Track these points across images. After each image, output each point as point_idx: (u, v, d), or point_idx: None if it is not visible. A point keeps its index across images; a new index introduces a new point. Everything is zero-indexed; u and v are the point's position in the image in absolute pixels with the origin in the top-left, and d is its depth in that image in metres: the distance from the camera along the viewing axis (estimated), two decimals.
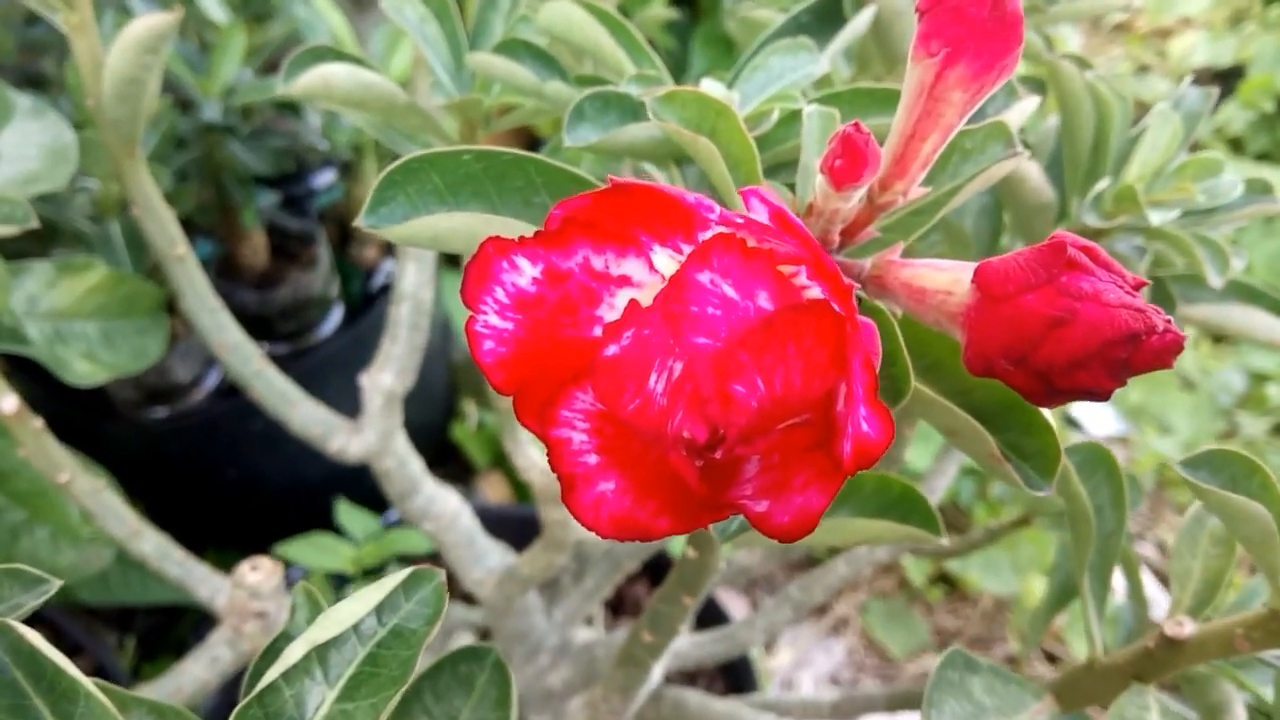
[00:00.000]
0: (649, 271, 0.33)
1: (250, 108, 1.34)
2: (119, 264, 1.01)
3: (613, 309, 0.33)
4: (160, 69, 0.73)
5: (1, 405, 0.67)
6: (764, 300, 0.30)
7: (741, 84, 0.61)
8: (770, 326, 0.29)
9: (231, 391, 1.39)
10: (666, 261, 0.33)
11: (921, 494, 0.56)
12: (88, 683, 0.35)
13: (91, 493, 0.72)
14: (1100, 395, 0.33)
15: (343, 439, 0.89)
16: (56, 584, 0.40)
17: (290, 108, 1.39)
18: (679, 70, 1.95)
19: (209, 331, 0.86)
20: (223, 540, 1.50)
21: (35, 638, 0.34)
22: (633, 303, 0.32)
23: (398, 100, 0.63)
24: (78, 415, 1.38)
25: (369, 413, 0.89)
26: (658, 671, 0.98)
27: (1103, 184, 0.68)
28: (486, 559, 0.96)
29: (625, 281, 0.33)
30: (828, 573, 1.01)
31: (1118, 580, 0.58)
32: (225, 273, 1.41)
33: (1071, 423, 2.05)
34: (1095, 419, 2.10)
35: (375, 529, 1.32)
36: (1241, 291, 0.69)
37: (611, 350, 0.31)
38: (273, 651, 0.40)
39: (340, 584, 1.31)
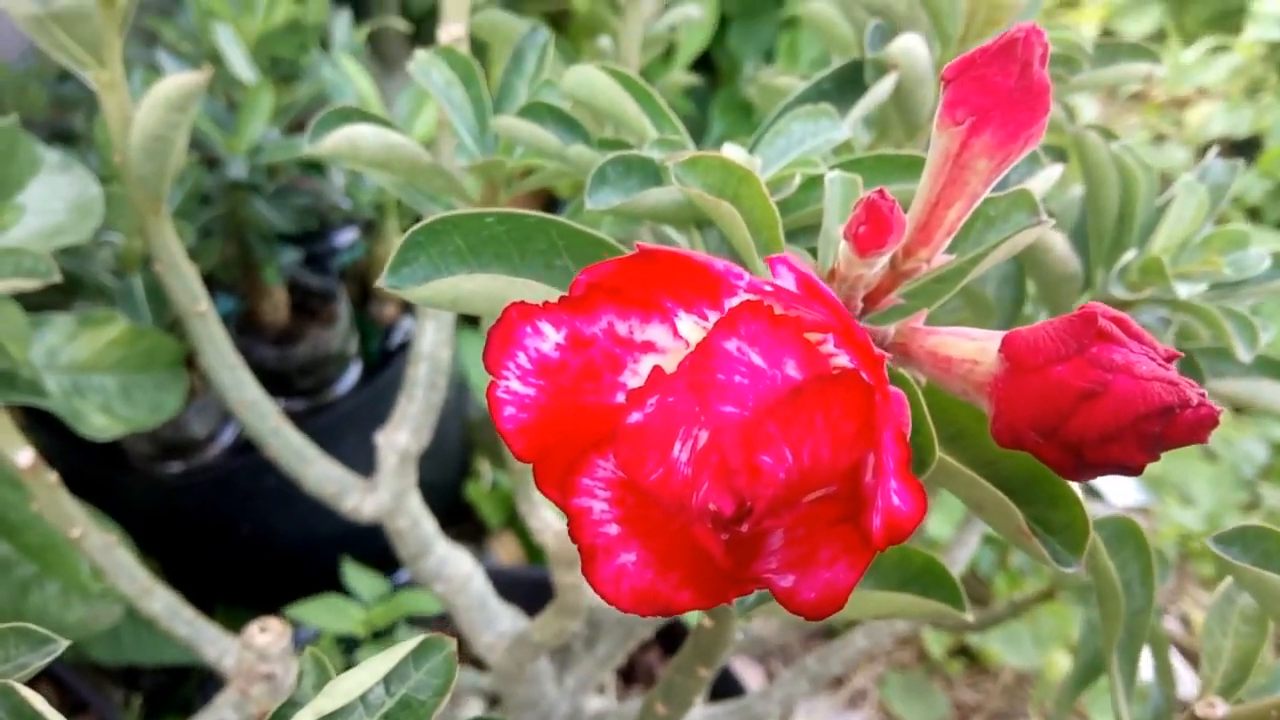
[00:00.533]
0: (673, 338, 0.33)
1: (275, 166, 1.36)
2: (140, 318, 1.01)
3: (636, 375, 0.33)
4: (188, 127, 0.74)
5: (17, 459, 0.67)
6: (792, 369, 0.29)
7: (763, 149, 0.61)
8: (799, 397, 0.28)
9: (246, 447, 1.39)
10: (691, 328, 0.32)
11: (945, 567, 0.55)
12: None
13: (103, 548, 0.72)
14: (1132, 470, 0.32)
15: (357, 498, 0.89)
16: (63, 644, 0.39)
17: (315, 167, 1.40)
18: (698, 135, 1.97)
19: (227, 388, 0.86)
20: (233, 597, 1.48)
21: (39, 701, 0.33)
22: (657, 369, 0.31)
23: (421, 162, 0.63)
24: (93, 468, 1.37)
25: (383, 471, 0.89)
26: None
27: (1129, 255, 0.67)
28: (498, 623, 0.95)
29: (649, 348, 0.33)
30: (846, 645, 0.99)
31: (1144, 658, 0.56)
32: (245, 328, 1.42)
33: (1092, 492, 2.02)
34: (1116, 489, 2.08)
35: (384, 590, 1.30)
36: (1267, 366, 0.68)
37: (635, 417, 0.31)
38: (280, 719, 0.39)
39: (350, 646, 1.29)
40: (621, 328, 0.32)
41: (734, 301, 0.31)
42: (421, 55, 0.70)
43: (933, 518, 1.84)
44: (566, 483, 0.32)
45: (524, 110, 0.62)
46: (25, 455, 0.67)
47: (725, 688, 1.24)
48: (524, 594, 1.15)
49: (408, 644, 0.36)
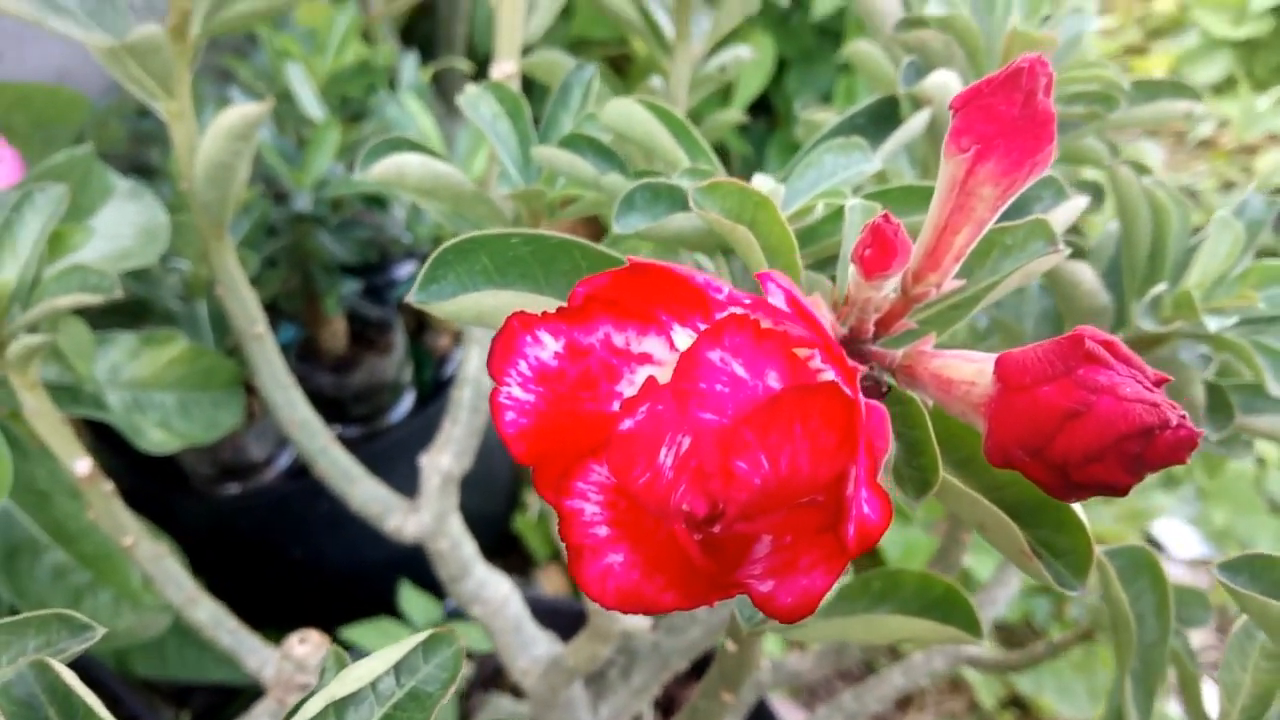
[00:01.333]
0: (669, 350, 0.34)
1: (340, 200, 1.41)
2: (203, 341, 1.05)
3: (633, 385, 0.34)
4: (250, 156, 0.78)
5: (76, 467, 0.70)
6: (773, 380, 0.31)
7: (794, 180, 0.62)
8: (776, 405, 0.29)
9: (301, 472, 1.43)
10: (686, 341, 0.34)
11: (964, 595, 0.55)
12: None
13: (153, 558, 0.75)
14: (1117, 490, 0.33)
15: (399, 518, 0.91)
16: (101, 631, 0.42)
17: (377, 201, 1.45)
18: (752, 175, 1.98)
19: (280, 408, 0.89)
20: (284, 620, 1.51)
21: (71, 678, 0.36)
22: (650, 379, 0.33)
23: (465, 190, 0.66)
24: (154, 488, 1.42)
25: (426, 493, 0.91)
26: None
27: (1159, 288, 0.67)
28: (533, 648, 0.96)
29: (646, 359, 0.34)
30: (882, 682, 0.98)
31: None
32: (305, 356, 1.46)
33: (1153, 544, 1.97)
34: (1178, 541, 2.03)
35: (437, 616, 1.32)
36: None
37: (626, 425, 0.32)
38: (297, 712, 0.41)
39: None
40: (618, 339, 0.34)
41: (723, 316, 0.32)
42: (471, 90, 0.73)
43: (976, 558, 1.81)
44: (561, 485, 0.33)
45: (564, 141, 0.64)
46: (83, 464, 0.70)
47: None
48: (565, 625, 1.16)
49: (418, 636, 0.38)
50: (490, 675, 1.35)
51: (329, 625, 1.34)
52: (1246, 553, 0.43)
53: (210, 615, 0.78)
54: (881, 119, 0.68)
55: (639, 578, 0.32)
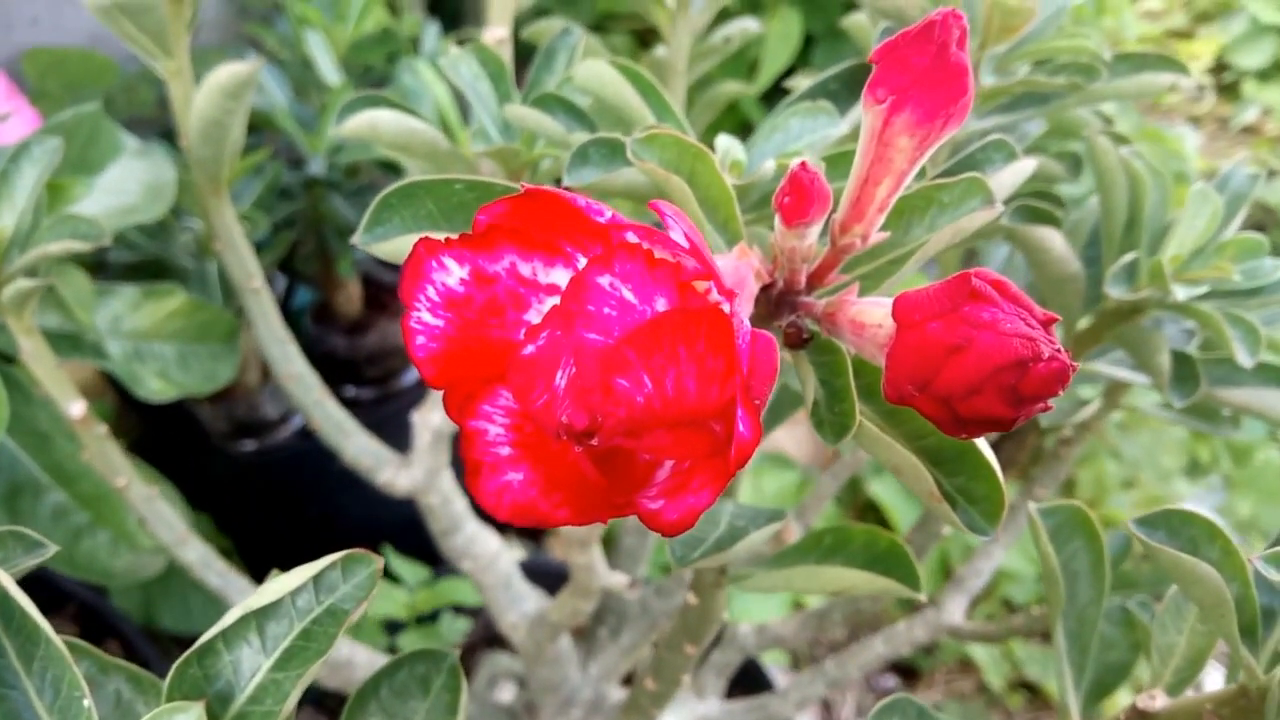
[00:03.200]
0: None
1: (355, 166, 1.43)
2: (211, 299, 1.08)
3: (540, 315, 0.36)
4: (244, 114, 0.80)
5: (70, 409, 0.73)
6: (662, 306, 0.32)
7: (759, 143, 0.63)
8: (658, 326, 0.31)
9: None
10: None
11: (907, 551, 0.56)
12: (49, 629, 0.38)
13: (146, 499, 0.78)
14: (1002, 424, 0.34)
15: (391, 472, 0.93)
16: (53, 548, 0.44)
17: (392, 167, 1.47)
18: None
19: (276, 361, 0.91)
20: None
21: (8, 582, 0.38)
22: (554, 307, 0.34)
23: (440, 146, 0.67)
24: (174, 444, 1.47)
25: (417, 449, 0.93)
26: None
27: (1129, 257, 0.67)
28: (522, 603, 0.98)
29: (554, 290, 0.36)
30: (864, 649, 0.99)
31: None
32: (320, 318, 1.49)
33: None
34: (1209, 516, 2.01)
35: (424, 576, 1.35)
36: (1272, 374, 0.67)
37: (528, 350, 0.34)
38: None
39: (394, 629, 1.34)
40: (525, 268, 0.35)
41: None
42: (454, 51, 0.75)
43: (1014, 557, 1.81)
44: (466, 408, 0.35)
45: (535, 101, 0.66)
46: (77, 407, 0.73)
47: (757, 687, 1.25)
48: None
49: (334, 555, 0.39)
50: (492, 635, 1.38)
51: None
52: (1164, 508, 0.44)
53: (199, 556, 0.81)
54: (854, 84, 0.69)
55: (535, 494, 0.34)
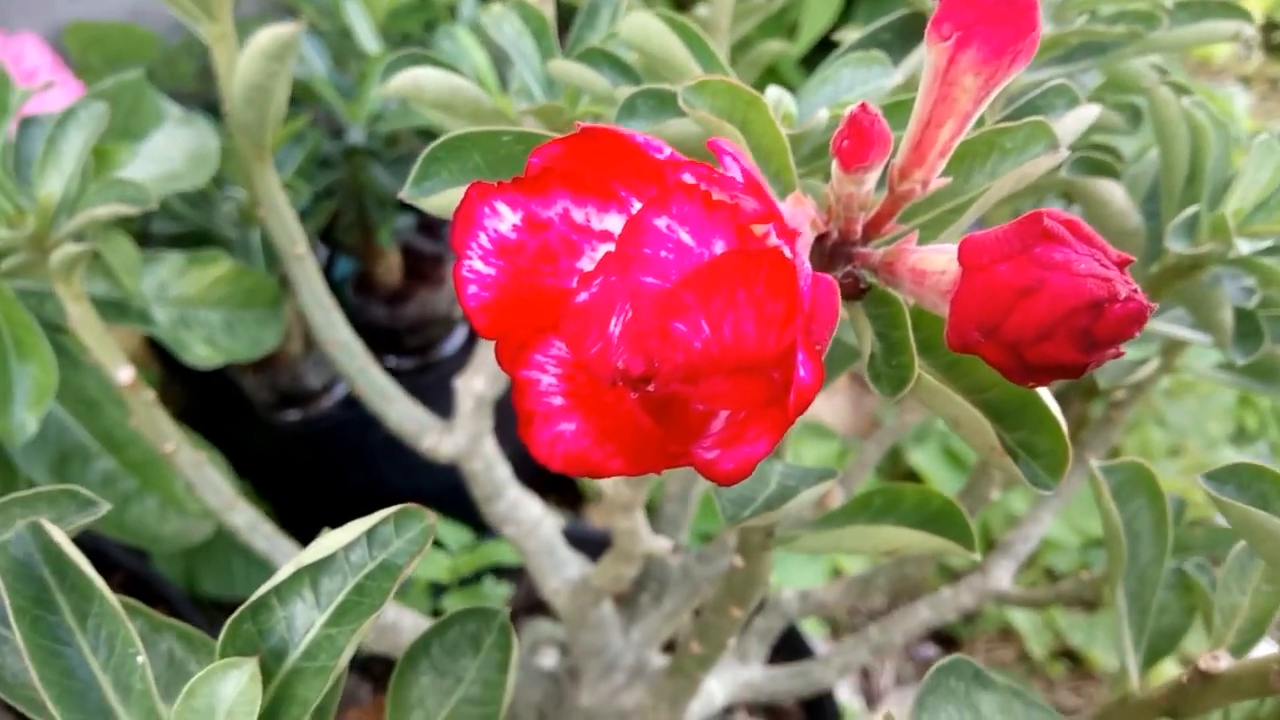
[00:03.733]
0: None
1: (395, 135, 1.43)
2: (255, 267, 1.09)
3: (593, 262, 0.35)
4: (287, 77, 0.79)
5: (119, 375, 0.74)
6: (720, 249, 0.31)
7: (809, 94, 0.62)
8: (717, 269, 0.30)
9: (358, 401, 1.47)
10: None
11: (961, 511, 0.55)
12: (104, 586, 0.38)
13: (193, 465, 0.78)
14: (1073, 371, 0.33)
15: (434, 438, 0.93)
16: (105, 506, 0.44)
17: (431, 136, 1.47)
18: None
19: (320, 328, 0.91)
20: None
21: (63, 539, 0.38)
22: (608, 254, 0.33)
23: (484, 105, 0.67)
24: (218, 414, 1.48)
25: (460, 415, 0.93)
26: (719, 693, 0.97)
27: (1190, 210, 0.65)
28: (565, 569, 0.98)
29: (608, 236, 0.35)
30: (909, 616, 0.98)
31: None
32: (361, 288, 1.50)
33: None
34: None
35: (467, 540, 1.36)
36: None
37: (582, 297, 0.33)
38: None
39: (437, 591, 1.35)
40: (578, 214, 0.34)
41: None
42: (496, 9, 0.73)
43: (1057, 526, 1.79)
44: (519, 358, 0.34)
45: (580, 56, 0.65)
46: (125, 373, 0.73)
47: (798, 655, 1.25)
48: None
49: (388, 510, 0.39)
50: (534, 601, 1.38)
51: None
52: (1234, 462, 0.43)
53: (246, 520, 0.81)
54: (908, 34, 0.67)
55: (589, 444, 0.33)
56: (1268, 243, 0.63)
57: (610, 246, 0.34)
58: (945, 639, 1.85)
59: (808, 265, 0.32)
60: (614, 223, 0.35)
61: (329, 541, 0.38)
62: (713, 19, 0.96)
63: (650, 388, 0.29)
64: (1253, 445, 2.07)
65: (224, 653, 0.41)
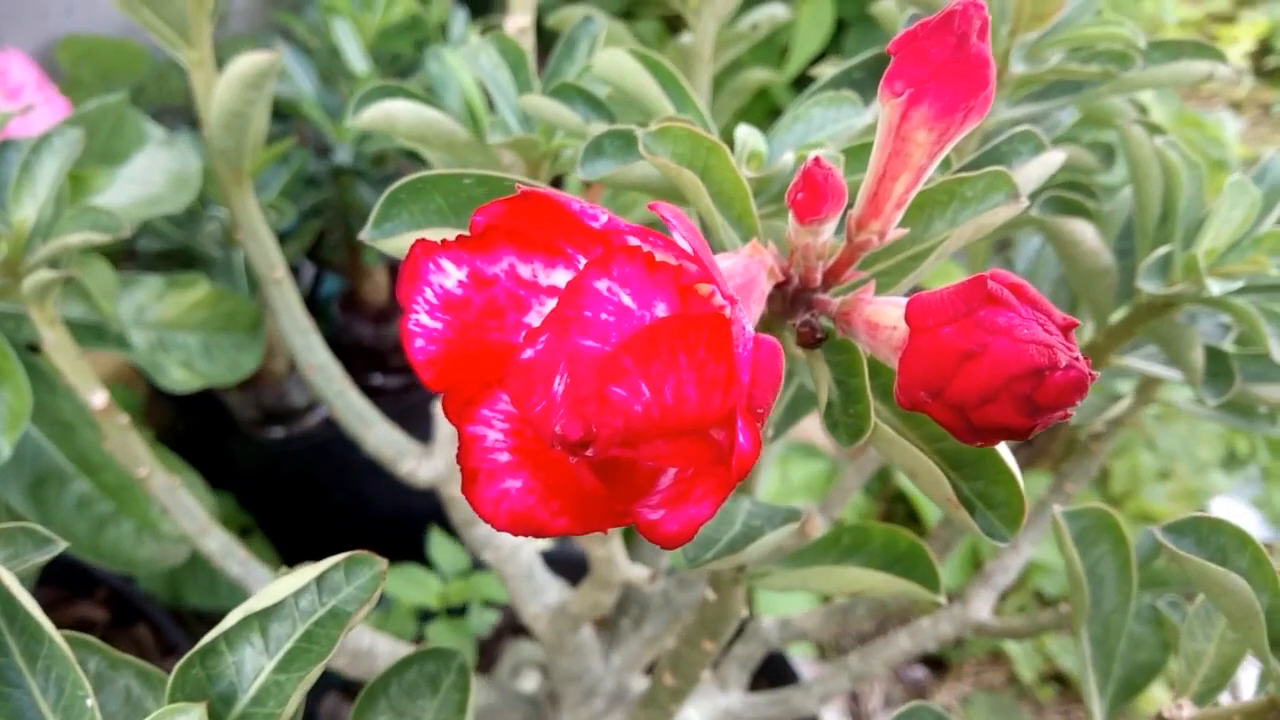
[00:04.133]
0: None
1: (382, 154, 1.43)
2: (237, 288, 1.09)
3: (540, 317, 0.35)
4: (265, 104, 0.79)
5: (92, 400, 0.74)
6: (661, 311, 0.31)
7: (780, 134, 0.62)
8: (657, 333, 0.30)
9: None
10: None
11: (928, 552, 0.55)
12: (53, 629, 0.38)
13: (167, 489, 0.78)
14: (1017, 434, 0.33)
15: (413, 463, 0.93)
16: (61, 545, 0.44)
17: (419, 156, 1.47)
18: None
19: (299, 352, 0.91)
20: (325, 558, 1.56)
21: (12, 582, 0.38)
22: (551, 312, 0.33)
23: (458, 137, 0.67)
24: (203, 431, 1.48)
25: (439, 439, 0.93)
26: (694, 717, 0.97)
27: (1164, 250, 0.65)
28: (544, 594, 0.98)
29: (555, 291, 0.35)
30: (889, 645, 0.98)
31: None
32: (347, 306, 1.50)
33: None
34: (1239, 524, 1.97)
35: (464, 564, 1.35)
36: None
37: (527, 354, 0.33)
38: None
39: (425, 617, 1.34)
40: (524, 270, 0.34)
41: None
42: (474, 41, 0.74)
43: (1047, 549, 1.79)
44: (465, 413, 0.34)
45: (554, 91, 0.65)
46: (99, 397, 0.73)
47: (783, 682, 1.25)
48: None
49: (337, 557, 0.39)
50: (518, 623, 1.38)
51: None
52: (1193, 514, 0.43)
53: (221, 545, 0.81)
54: (880, 73, 0.67)
55: (534, 502, 0.33)
56: (1240, 283, 0.64)
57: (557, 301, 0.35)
58: (935, 662, 1.85)
59: (749, 329, 0.32)
60: (561, 278, 0.35)
61: (279, 587, 0.38)
62: (695, 48, 0.96)
63: (590, 453, 0.29)
64: (1243, 470, 2.07)
65: (173, 697, 0.40)
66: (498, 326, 0.34)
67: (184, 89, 1.45)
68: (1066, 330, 0.33)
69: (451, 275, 0.34)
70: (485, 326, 0.34)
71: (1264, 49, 2.79)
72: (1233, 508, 2.01)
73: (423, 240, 0.33)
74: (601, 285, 0.31)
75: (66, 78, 1.38)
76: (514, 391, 0.33)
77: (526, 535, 0.33)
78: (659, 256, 0.32)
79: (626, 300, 0.31)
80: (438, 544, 1.39)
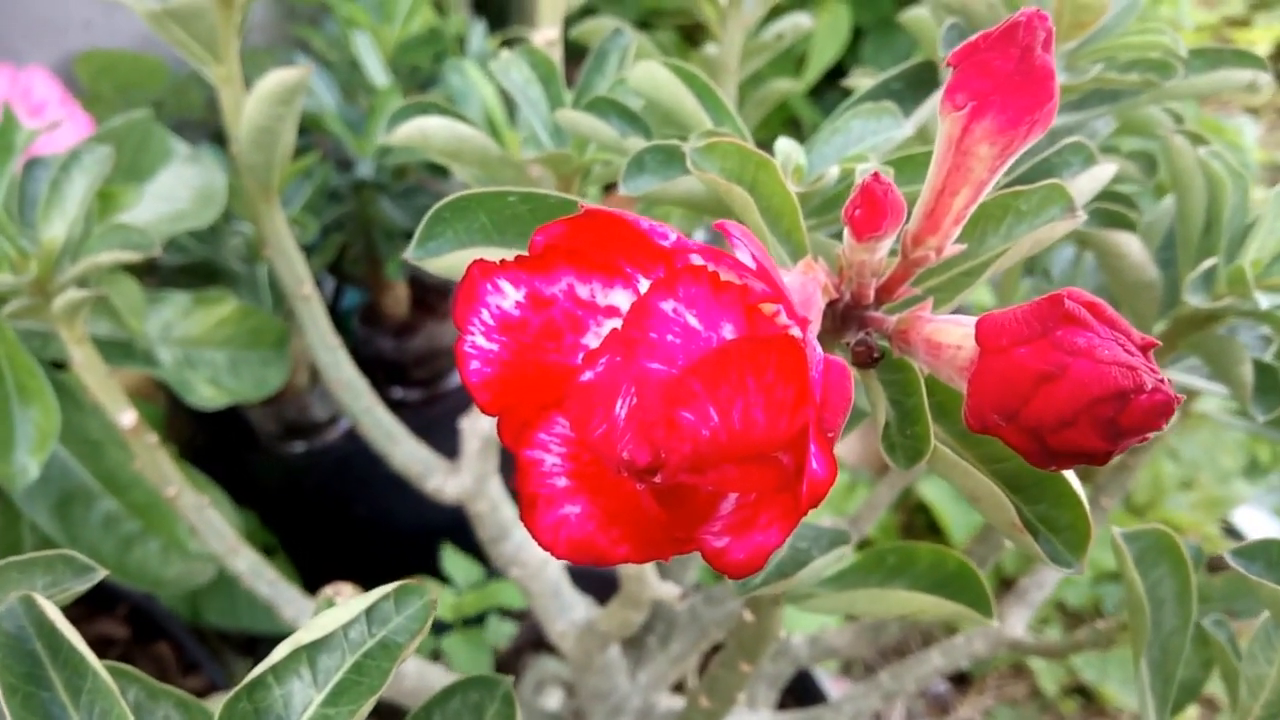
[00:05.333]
0: None
1: (403, 168, 1.42)
2: (261, 303, 1.08)
3: (599, 338, 0.34)
4: (294, 120, 0.79)
5: (121, 419, 0.73)
6: (729, 333, 0.30)
7: (819, 146, 0.61)
8: (725, 356, 0.29)
9: None
10: None
11: (977, 573, 0.54)
12: (96, 661, 0.37)
13: (196, 508, 0.77)
14: (1096, 459, 0.31)
15: (440, 479, 0.92)
16: (102, 573, 0.43)
17: (439, 169, 1.46)
18: None
19: (326, 368, 0.91)
20: (345, 574, 1.55)
21: (56, 614, 0.37)
22: (613, 331, 0.32)
23: (490, 153, 0.66)
24: (224, 445, 1.47)
25: (466, 455, 0.92)
26: None
27: (1210, 263, 0.64)
28: (571, 611, 0.97)
29: (614, 312, 0.34)
30: (921, 663, 0.97)
31: None
32: (368, 320, 1.49)
33: (1232, 533, 1.90)
34: (1261, 532, 1.95)
35: (478, 576, 1.34)
36: None
37: (586, 376, 0.32)
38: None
39: (438, 629, 1.33)
40: (583, 290, 0.33)
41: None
42: (505, 55, 0.73)
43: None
44: (522, 436, 0.33)
45: (588, 105, 0.64)
46: (129, 416, 0.73)
47: (812, 701, 1.23)
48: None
49: (388, 587, 0.38)
50: (539, 638, 1.36)
51: (388, 580, 1.37)
52: (1264, 538, 0.41)
53: (250, 565, 0.80)
54: (919, 84, 0.66)
55: (594, 529, 0.32)
56: None
57: (617, 322, 0.34)
58: (958, 675, 1.83)
59: (819, 349, 0.31)
60: (620, 298, 0.34)
61: (328, 619, 0.37)
62: (721, 59, 0.96)
63: (657, 479, 0.28)
64: (1265, 478, 2.05)
65: None
66: (555, 348, 0.34)
67: (203, 102, 1.45)
68: (1146, 350, 0.32)
69: (509, 296, 0.33)
70: (543, 348, 0.33)
71: (1279, 53, 2.78)
72: (1257, 517, 1.99)
73: (481, 261, 0.32)
74: (667, 306, 0.30)
75: (86, 93, 1.38)
76: (573, 415, 0.32)
77: (586, 563, 0.32)
78: (724, 276, 0.31)
79: (693, 321, 0.30)
80: (451, 559, 1.38)
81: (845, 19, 2.01)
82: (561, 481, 0.33)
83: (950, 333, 0.38)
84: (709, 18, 0.94)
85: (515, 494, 0.33)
